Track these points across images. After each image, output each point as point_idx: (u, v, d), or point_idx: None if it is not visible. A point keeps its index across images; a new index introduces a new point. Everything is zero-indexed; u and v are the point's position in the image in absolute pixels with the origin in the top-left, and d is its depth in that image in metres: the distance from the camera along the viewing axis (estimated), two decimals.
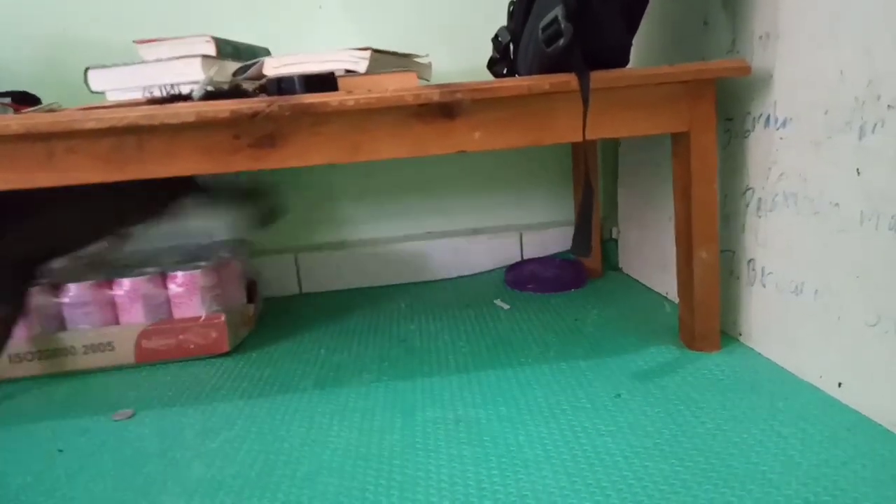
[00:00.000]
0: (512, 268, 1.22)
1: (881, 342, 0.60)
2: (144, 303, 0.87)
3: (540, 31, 0.68)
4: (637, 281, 1.14)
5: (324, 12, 1.16)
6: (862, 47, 0.59)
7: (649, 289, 1.08)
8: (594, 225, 1.18)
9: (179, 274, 0.88)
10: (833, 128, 0.64)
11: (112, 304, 0.87)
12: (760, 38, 0.74)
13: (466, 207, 1.27)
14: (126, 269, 0.92)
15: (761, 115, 0.75)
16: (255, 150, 0.70)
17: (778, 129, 0.73)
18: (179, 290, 0.88)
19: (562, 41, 0.64)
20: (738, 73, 0.72)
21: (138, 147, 0.68)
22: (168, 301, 0.89)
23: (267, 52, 1.08)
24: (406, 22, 1.18)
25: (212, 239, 1.03)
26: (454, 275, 1.25)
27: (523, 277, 1.17)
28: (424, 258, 1.24)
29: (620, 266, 1.22)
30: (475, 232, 1.27)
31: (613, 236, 1.25)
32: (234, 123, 0.68)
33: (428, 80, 1.06)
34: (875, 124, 0.58)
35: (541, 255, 1.27)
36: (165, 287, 0.88)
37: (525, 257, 1.27)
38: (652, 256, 1.07)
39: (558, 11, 0.65)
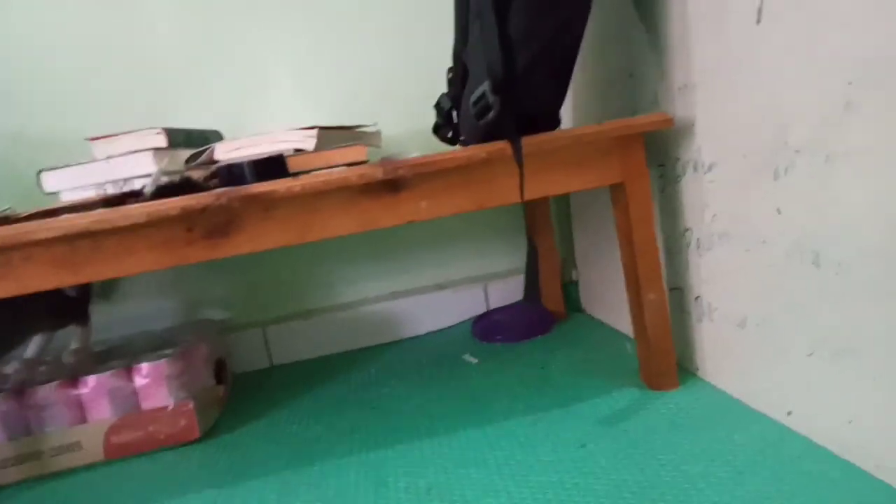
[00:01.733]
0: (479, 319, 1.24)
1: (819, 371, 0.63)
2: (111, 398, 0.87)
3: (471, 105, 0.72)
4: (599, 321, 1.17)
5: (273, 90, 1.20)
6: (768, 95, 0.64)
7: (611, 328, 1.11)
8: (552, 271, 1.21)
9: (144, 365, 0.88)
10: (753, 171, 0.68)
11: (78, 403, 0.87)
12: (680, 88, 0.79)
13: (429, 263, 1.30)
14: (91, 364, 0.92)
15: (689, 160, 0.80)
16: (208, 240, 0.72)
17: (706, 173, 0.77)
18: (145, 381, 0.88)
19: (491, 114, 0.68)
20: (661, 125, 0.77)
21: (94, 249, 0.70)
22: (135, 393, 0.89)
23: (219, 136, 1.11)
24: (353, 91, 1.22)
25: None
26: (423, 331, 1.27)
27: (490, 328, 1.19)
28: (392, 318, 1.25)
29: (583, 307, 1.25)
30: (440, 287, 1.29)
31: (574, 278, 1.28)
32: (185, 218, 0.70)
33: (379, 147, 1.10)
34: (787, 167, 0.63)
35: (506, 304, 1.29)
36: (131, 380, 0.88)
37: (491, 306, 1.30)
38: (611, 296, 1.10)
39: (486, 86, 0.69)
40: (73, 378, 0.87)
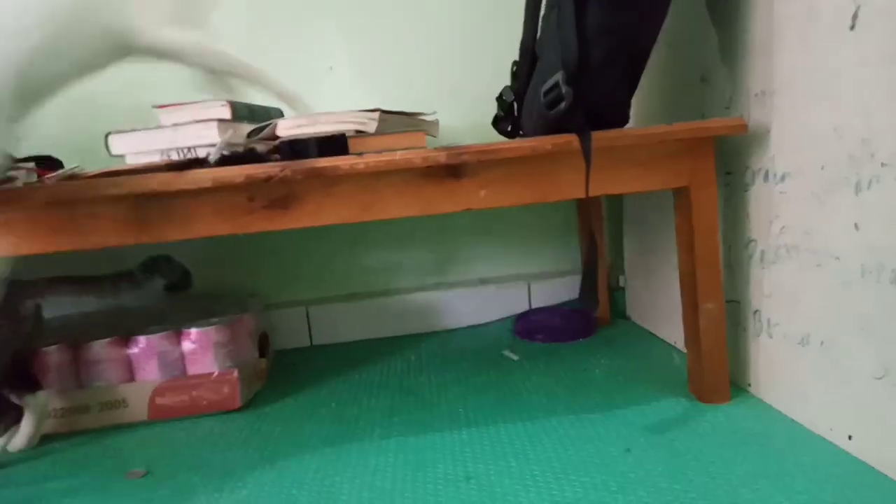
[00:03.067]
0: (521, 317, 1.23)
1: (889, 395, 0.60)
2: (159, 360, 0.89)
3: (542, 96, 0.71)
4: (645, 329, 1.14)
5: (334, 73, 1.20)
6: (855, 106, 0.61)
7: (657, 338, 1.09)
8: (601, 275, 1.19)
9: (193, 331, 0.89)
10: (830, 183, 0.65)
11: (128, 361, 0.89)
12: (757, 95, 0.77)
13: (475, 258, 1.29)
14: (143, 323, 0.94)
15: (760, 169, 0.77)
16: (269, 211, 0.72)
17: (777, 183, 0.74)
18: (193, 346, 0.89)
19: (563, 105, 0.67)
20: (735, 131, 0.75)
21: (158, 210, 0.71)
22: (182, 357, 0.90)
23: (280, 113, 1.12)
24: (414, 80, 1.22)
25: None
26: (464, 325, 1.26)
27: (532, 327, 1.17)
28: (434, 309, 1.25)
29: (629, 314, 1.23)
30: (484, 282, 1.28)
31: (621, 284, 1.26)
32: (248, 187, 0.70)
33: (436, 136, 1.10)
34: (871, 181, 0.60)
35: (549, 305, 1.28)
36: (180, 343, 0.90)
37: (533, 306, 1.28)
38: (659, 305, 1.08)
39: (559, 77, 0.67)
40: (125, 337, 0.88)
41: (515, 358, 1.05)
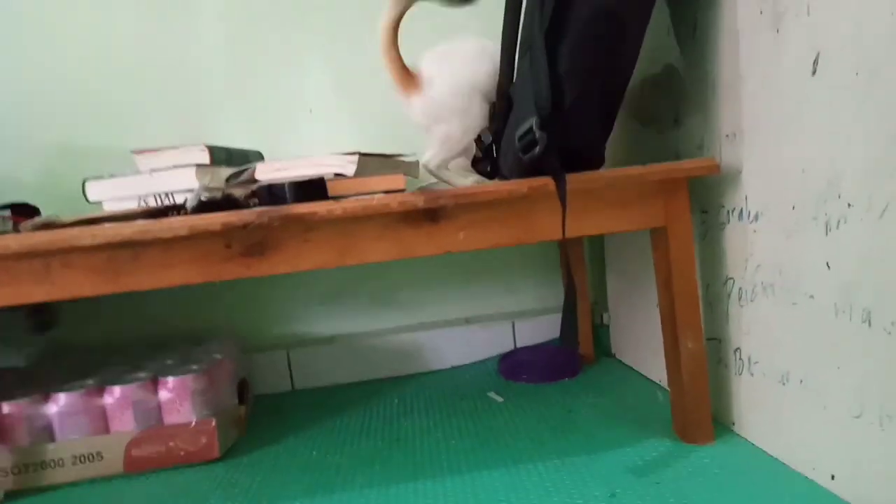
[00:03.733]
0: (505, 357, 1.22)
1: (868, 434, 0.60)
2: (135, 410, 0.87)
3: (517, 140, 0.72)
4: (629, 367, 1.14)
5: (314, 115, 1.21)
6: (819, 147, 0.63)
7: (642, 375, 1.08)
8: (583, 313, 1.19)
9: (170, 379, 0.88)
10: (801, 222, 0.66)
11: (102, 413, 0.87)
12: (727, 136, 0.78)
13: (458, 297, 1.28)
14: (119, 374, 0.92)
15: (734, 208, 0.78)
16: (246, 258, 0.72)
17: (751, 222, 0.75)
18: (170, 395, 0.87)
19: (537, 149, 0.68)
20: (707, 171, 0.76)
21: (133, 260, 0.70)
22: (159, 407, 0.88)
23: (260, 156, 1.13)
24: (394, 121, 1.22)
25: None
26: (448, 365, 1.25)
27: (517, 367, 1.17)
28: (418, 350, 1.24)
29: (613, 351, 1.22)
30: (468, 321, 1.28)
31: (605, 322, 1.26)
32: (225, 234, 0.70)
33: (416, 177, 1.10)
34: (839, 220, 0.61)
35: (534, 343, 1.27)
36: (156, 393, 0.88)
37: (518, 345, 1.28)
38: (642, 342, 1.08)
39: (533, 121, 0.68)
40: (99, 387, 0.87)
41: (500, 400, 1.04)
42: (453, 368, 1.24)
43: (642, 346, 1.08)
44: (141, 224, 0.67)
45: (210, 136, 1.15)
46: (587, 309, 1.21)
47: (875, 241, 0.57)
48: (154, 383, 0.89)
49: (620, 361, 1.18)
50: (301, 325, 1.23)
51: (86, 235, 0.66)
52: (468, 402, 1.04)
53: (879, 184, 0.56)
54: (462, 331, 1.25)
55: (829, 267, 0.63)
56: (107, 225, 0.72)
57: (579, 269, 1.19)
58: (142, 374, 0.90)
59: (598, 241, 1.26)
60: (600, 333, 1.25)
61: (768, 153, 0.71)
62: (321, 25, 1.19)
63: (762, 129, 0.71)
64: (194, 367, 0.92)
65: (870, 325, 0.59)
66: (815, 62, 0.62)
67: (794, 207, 0.67)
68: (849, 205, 0.60)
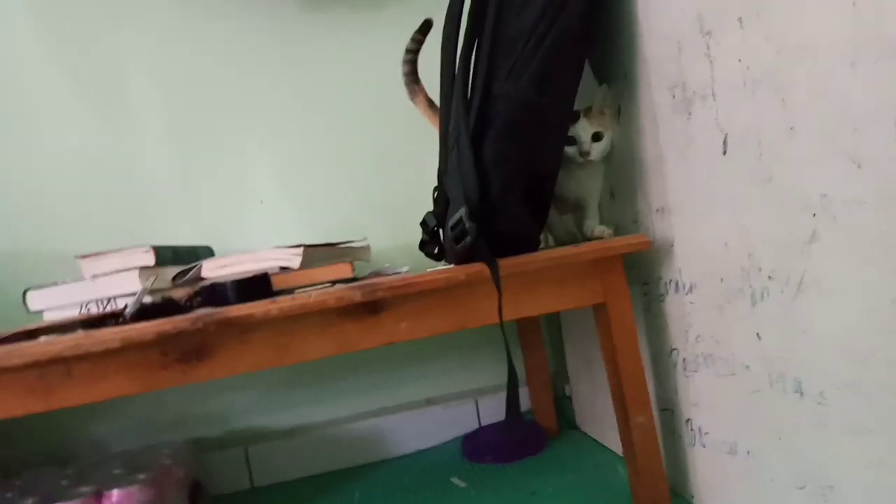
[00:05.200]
0: (469, 437, 1.20)
1: None
2: None
3: (448, 230, 0.73)
4: (592, 440, 1.13)
5: (265, 206, 1.22)
6: (737, 222, 0.65)
7: (605, 448, 1.07)
8: (544, 386, 1.19)
9: (115, 492, 0.84)
10: (730, 294, 0.68)
11: None
12: (657, 210, 0.81)
13: (418, 378, 1.27)
14: (61, 489, 0.89)
15: (671, 280, 0.80)
16: (183, 364, 0.71)
17: (686, 293, 0.77)
18: None
19: (468, 239, 0.69)
20: (639, 247, 0.78)
21: (66, 375, 0.69)
22: None
23: (210, 252, 1.12)
24: (345, 207, 1.24)
25: None
26: (412, 449, 1.22)
27: (480, 448, 1.14)
28: (379, 436, 1.21)
29: (577, 423, 1.21)
30: (429, 402, 1.26)
31: (567, 393, 1.25)
32: (160, 342, 0.69)
33: (368, 261, 1.11)
34: (762, 293, 0.63)
35: (498, 420, 1.25)
36: None
37: (482, 422, 1.26)
38: (604, 414, 1.07)
39: (462, 213, 0.70)
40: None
41: (463, 485, 1.02)
42: (417, 452, 1.21)
43: (604, 418, 1.07)
44: (70, 339, 0.66)
45: (161, 235, 1.15)
46: (547, 381, 1.21)
47: (797, 313, 0.58)
48: (98, 498, 0.85)
49: (584, 434, 1.17)
50: (258, 419, 1.20)
51: (13, 356, 0.64)
52: (430, 490, 1.01)
53: (793, 257, 0.58)
54: (424, 413, 1.23)
55: (759, 338, 0.64)
56: (41, 339, 0.71)
57: (537, 341, 1.19)
58: (85, 489, 0.86)
59: (554, 314, 1.27)
60: (563, 405, 1.24)
61: (694, 227, 0.73)
62: (265, 115, 1.22)
63: (686, 204, 0.74)
64: (141, 476, 0.89)
65: (801, 395, 0.59)
66: (725, 142, 0.65)
67: (721, 280, 0.69)
68: (769, 277, 0.61)
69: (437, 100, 0.89)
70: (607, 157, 0.88)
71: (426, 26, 1.00)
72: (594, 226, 0.89)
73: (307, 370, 1.22)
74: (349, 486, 1.09)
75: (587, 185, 0.88)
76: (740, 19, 0.60)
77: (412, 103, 1.10)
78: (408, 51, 1.04)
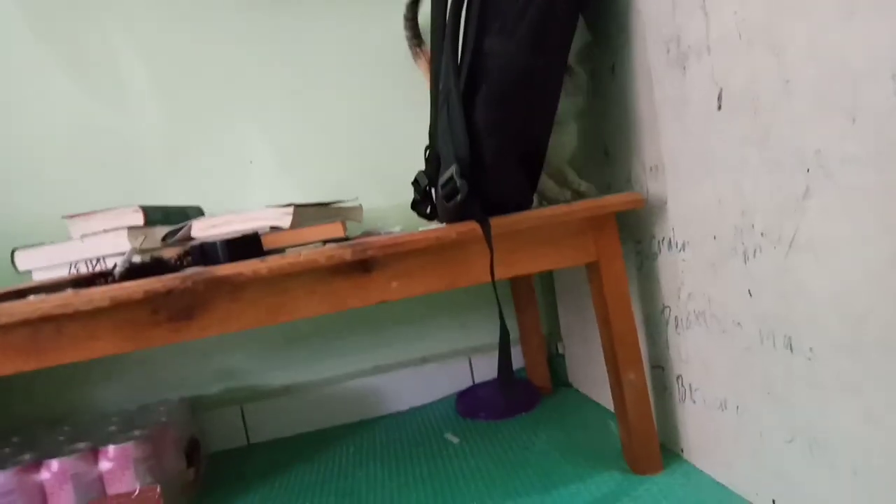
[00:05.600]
0: (463, 394, 1.21)
1: (800, 458, 0.60)
2: (74, 484, 0.84)
3: (440, 187, 0.72)
4: (585, 396, 1.14)
5: (255, 167, 1.21)
6: (731, 179, 0.64)
7: (597, 404, 1.08)
8: (538, 344, 1.20)
9: (111, 448, 0.85)
10: (723, 252, 0.68)
11: (40, 490, 0.84)
12: (651, 169, 0.80)
13: (413, 336, 1.28)
14: (58, 445, 0.89)
15: (664, 238, 0.80)
16: (174, 323, 0.71)
17: (679, 252, 0.76)
18: (111, 465, 0.85)
19: (459, 196, 0.68)
20: (633, 205, 0.77)
21: (56, 333, 0.68)
22: (100, 478, 0.85)
23: (199, 212, 1.11)
24: (336, 167, 1.23)
25: None
26: (406, 407, 1.24)
27: (474, 405, 1.16)
28: (374, 393, 1.23)
29: (570, 381, 1.22)
30: (424, 361, 1.27)
31: (560, 351, 1.26)
32: (150, 301, 0.69)
33: (360, 222, 1.10)
34: (755, 250, 0.62)
35: (492, 377, 1.27)
36: (97, 463, 0.85)
37: (476, 380, 1.27)
38: (596, 371, 1.08)
39: (453, 170, 0.69)
40: (36, 462, 0.84)
41: (456, 441, 1.03)
42: (412, 409, 1.22)
43: (596, 376, 1.09)
44: (59, 297, 0.65)
45: (151, 195, 1.14)
46: (541, 340, 1.22)
47: (788, 269, 0.58)
48: (94, 454, 0.86)
49: (577, 391, 1.18)
50: (254, 378, 1.21)
51: (3, 314, 0.64)
52: (424, 446, 1.03)
53: (786, 215, 0.57)
54: (418, 371, 1.24)
55: (751, 295, 0.64)
56: (30, 298, 0.70)
57: (530, 300, 1.20)
58: (81, 445, 0.87)
59: (548, 273, 1.27)
60: (556, 363, 1.25)
61: (688, 186, 0.72)
62: (256, 76, 1.19)
63: (680, 162, 0.73)
64: (137, 432, 0.90)
65: (791, 351, 0.60)
66: (720, 97, 0.64)
67: (715, 238, 0.69)
68: (762, 234, 0.61)
69: None
70: (599, 116, 0.86)
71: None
72: (576, 181, 0.88)
73: (302, 329, 1.22)
74: (344, 442, 1.11)
75: (555, 145, 0.87)
76: None
77: (415, 65, 1.09)
78: (406, 17, 1.04)
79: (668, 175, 0.76)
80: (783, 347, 0.61)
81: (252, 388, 1.21)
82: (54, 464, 0.84)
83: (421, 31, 1.12)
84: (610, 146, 0.90)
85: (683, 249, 0.76)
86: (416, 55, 1.11)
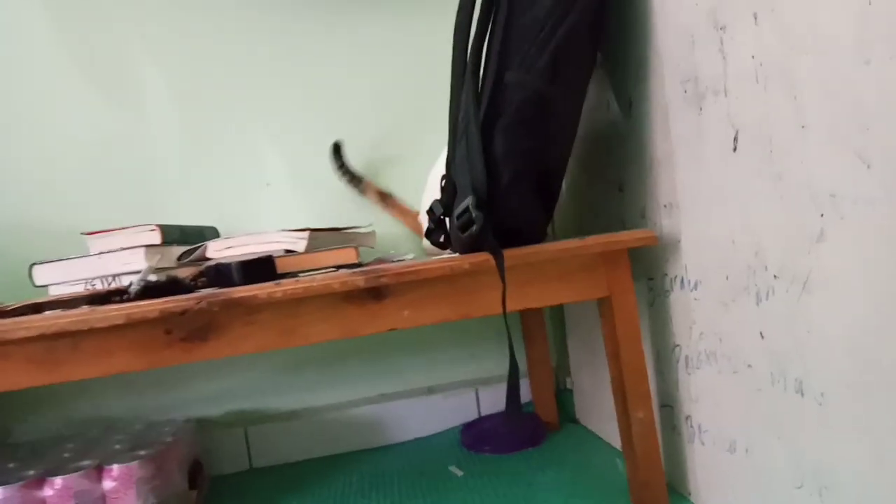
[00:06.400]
0: (468, 427, 1.21)
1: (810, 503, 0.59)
2: (77, 501, 0.83)
3: (455, 218, 0.73)
4: (592, 433, 1.13)
5: (272, 189, 1.22)
6: (745, 220, 0.64)
7: (604, 442, 1.07)
8: (546, 378, 1.19)
9: (115, 467, 0.85)
10: (735, 292, 0.68)
11: None
12: (665, 206, 0.80)
13: (419, 366, 1.27)
14: (63, 461, 0.89)
15: (676, 276, 0.80)
16: (187, 343, 0.71)
17: (691, 290, 0.77)
18: (114, 484, 0.85)
19: (474, 228, 0.69)
20: (645, 242, 0.77)
21: (72, 349, 0.69)
22: (103, 497, 0.85)
23: (215, 232, 1.13)
24: (351, 193, 1.24)
25: None
26: (411, 437, 1.23)
27: (479, 438, 1.15)
28: (379, 422, 1.22)
29: (577, 417, 1.21)
30: (430, 391, 1.26)
31: (568, 386, 1.25)
32: (164, 321, 0.69)
33: (373, 247, 1.11)
34: (767, 291, 0.62)
35: (498, 410, 1.26)
36: (100, 482, 0.85)
37: (483, 412, 1.26)
38: (604, 408, 1.07)
39: (469, 201, 0.70)
40: (39, 478, 0.84)
41: (460, 474, 1.02)
42: (416, 440, 1.21)
43: (604, 412, 1.08)
44: (76, 313, 0.66)
45: (167, 215, 1.16)
46: (550, 374, 1.21)
47: (800, 312, 0.58)
48: (98, 472, 0.86)
49: (584, 428, 1.17)
50: (259, 401, 1.21)
51: (19, 328, 0.65)
52: (427, 478, 1.02)
53: (799, 257, 0.57)
54: (425, 401, 1.24)
55: (762, 336, 0.64)
56: (46, 313, 0.72)
57: (540, 334, 1.19)
58: (85, 463, 0.87)
59: (558, 306, 1.27)
60: (564, 399, 1.24)
61: (702, 224, 0.73)
62: (274, 99, 1.21)
63: (694, 200, 0.74)
64: (142, 452, 0.90)
65: (802, 395, 0.59)
66: (735, 139, 0.65)
67: (727, 278, 0.69)
68: (775, 276, 0.61)
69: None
70: (615, 152, 0.87)
71: (336, 148, 1.17)
72: None
73: (309, 354, 1.22)
74: (347, 470, 1.10)
75: None
76: (755, 14, 0.59)
77: (363, 196, 1.20)
78: (336, 168, 1.18)
79: (682, 213, 0.76)
80: (793, 391, 0.60)
81: (257, 411, 1.21)
82: (58, 481, 0.84)
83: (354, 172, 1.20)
84: (625, 181, 0.91)
85: (696, 288, 0.76)
86: (361, 191, 1.20)
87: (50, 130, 1.14)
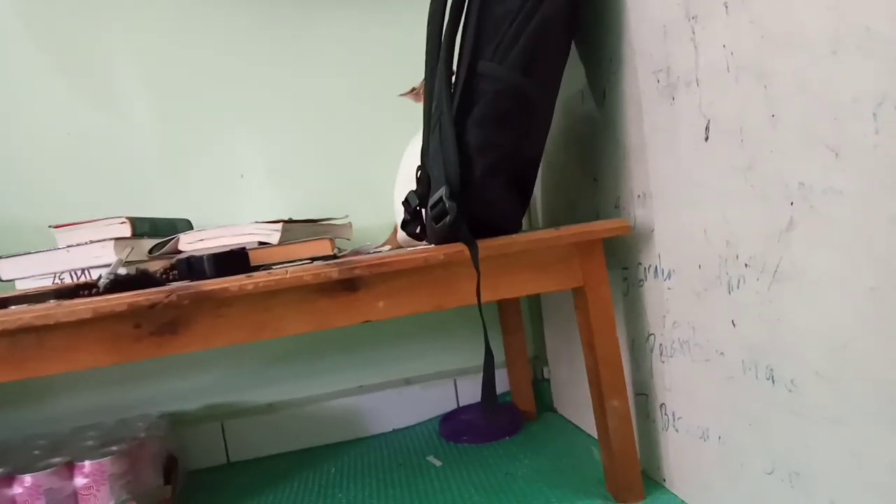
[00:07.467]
0: (447, 418, 1.21)
1: (780, 491, 0.60)
2: (48, 499, 0.82)
3: (429, 209, 0.72)
4: (570, 422, 1.14)
5: (246, 181, 1.21)
6: (716, 210, 0.65)
7: (581, 430, 1.08)
8: (523, 368, 1.19)
9: (87, 463, 0.84)
10: (707, 281, 0.68)
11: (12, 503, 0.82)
12: (639, 196, 0.81)
13: (397, 357, 1.27)
14: (33, 459, 0.88)
15: (650, 266, 0.80)
16: (157, 337, 0.70)
17: (665, 279, 0.77)
18: (86, 480, 0.83)
19: (448, 218, 0.69)
20: (620, 232, 0.78)
21: (37, 345, 0.68)
22: (74, 494, 0.84)
23: (188, 225, 1.11)
24: (327, 184, 1.23)
25: None
26: (389, 428, 1.23)
27: (457, 429, 1.15)
28: (357, 414, 1.22)
29: (555, 406, 1.22)
30: (408, 382, 1.26)
31: (545, 376, 1.26)
32: (133, 314, 0.68)
33: (350, 239, 1.10)
34: (738, 280, 0.63)
35: (476, 401, 1.26)
36: (72, 479, 0.84)
37: (461, 403, 1.26)
38: (582, 397, 1.08)
39: (443, 192, 0.69)
40: (9, 476, 0.82)
41: (438, 464, 1.03)
42: (395, 431, 1.21)
43: (581, 401, 1.08)
44: (41, 308, 0.65)
45: (141, 206, 1.14)
46: (527, 364, 1.21)
47: (771, 301, 0.59)
48: (69, 468, 0.84)
49: (562, 417, 1.18)
50: (236, 395, 1.20)
51: None
52: (406, 469, 1.02)
53: (770, 246, 0.58)
54: (403, 392, 1.24)
55: (734, 325, 0.65)
56: (11, 308, 0.70)
57: (517, 324, 1.20)
58: (56, 460, 0.86)
59: (535, 297, 1.27)
60: (541, 388, 1.25)
61: (674, 214, 0.73)
62: (248, 90, 1.20)
63: (667, 191, 0.74)
64: (114, 448, 0.88)
65: (773, 382, 0.60)
66: (707, 128, 0.65)
67: (700, 267, 0.69)
68: (746, 265, 0.62)
69: None
70: (589, 143, 0.87)
71: None
72: None
73: (286, 347, 1.22)
74: (325, 462, 1.09)
75: None
76: (726, 5, 0.59)
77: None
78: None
79: (655, 203, 0.77)
80: (765, 379, 0.61)
81: (234, 405, 1.20)
82: (28, 478, 0.82)
83: None
84: (598, 172, 0.91)
85: (669, 277, 0.76)
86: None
87: (22, 123, 1.12)
